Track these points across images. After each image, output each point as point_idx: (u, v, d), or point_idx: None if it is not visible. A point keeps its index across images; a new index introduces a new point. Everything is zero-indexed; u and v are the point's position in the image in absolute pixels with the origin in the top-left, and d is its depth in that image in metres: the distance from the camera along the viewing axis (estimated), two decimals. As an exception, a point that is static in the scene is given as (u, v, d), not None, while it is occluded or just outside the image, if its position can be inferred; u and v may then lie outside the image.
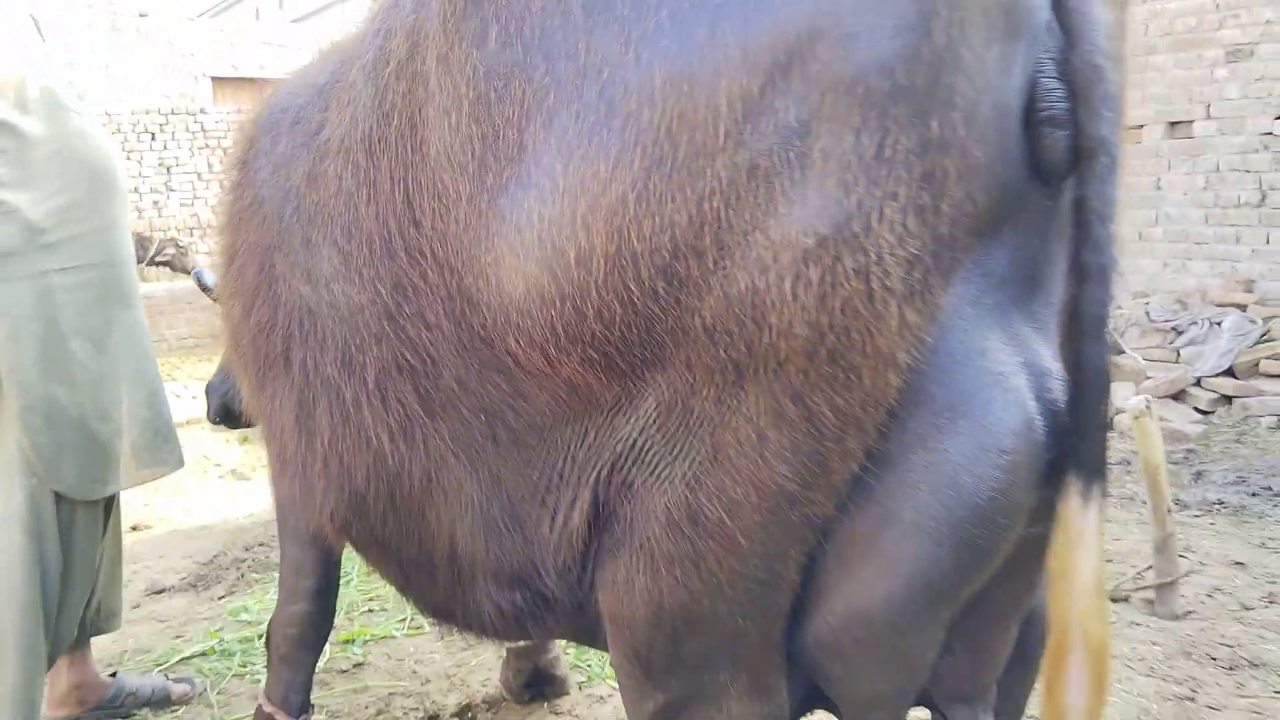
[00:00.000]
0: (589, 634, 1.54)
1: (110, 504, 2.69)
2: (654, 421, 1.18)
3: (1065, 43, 1.07)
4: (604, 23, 1.07)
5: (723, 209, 1.03)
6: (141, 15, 13.57)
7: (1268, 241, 5.75)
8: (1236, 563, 3.39)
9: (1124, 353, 5.85)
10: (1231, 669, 2.63)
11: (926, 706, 1.39)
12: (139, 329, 2.53)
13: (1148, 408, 2.86)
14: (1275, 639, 2.79)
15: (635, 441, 1.20)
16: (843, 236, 1.00)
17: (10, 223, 2.26)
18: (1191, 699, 2.47)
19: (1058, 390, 1.14)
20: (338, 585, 2.32)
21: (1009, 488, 1.10)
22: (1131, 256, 6.41)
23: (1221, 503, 4.17)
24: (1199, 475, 4.61)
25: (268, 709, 2.23)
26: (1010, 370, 1.12)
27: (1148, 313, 5.84)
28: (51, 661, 2.46)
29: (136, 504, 5.72)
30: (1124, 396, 5.45)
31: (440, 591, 1.55)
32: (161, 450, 2.53)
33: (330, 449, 1.51)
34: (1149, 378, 5.52)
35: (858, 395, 1.06)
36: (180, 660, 3.12)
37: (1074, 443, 1.13)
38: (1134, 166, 6.32)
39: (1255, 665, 2.64)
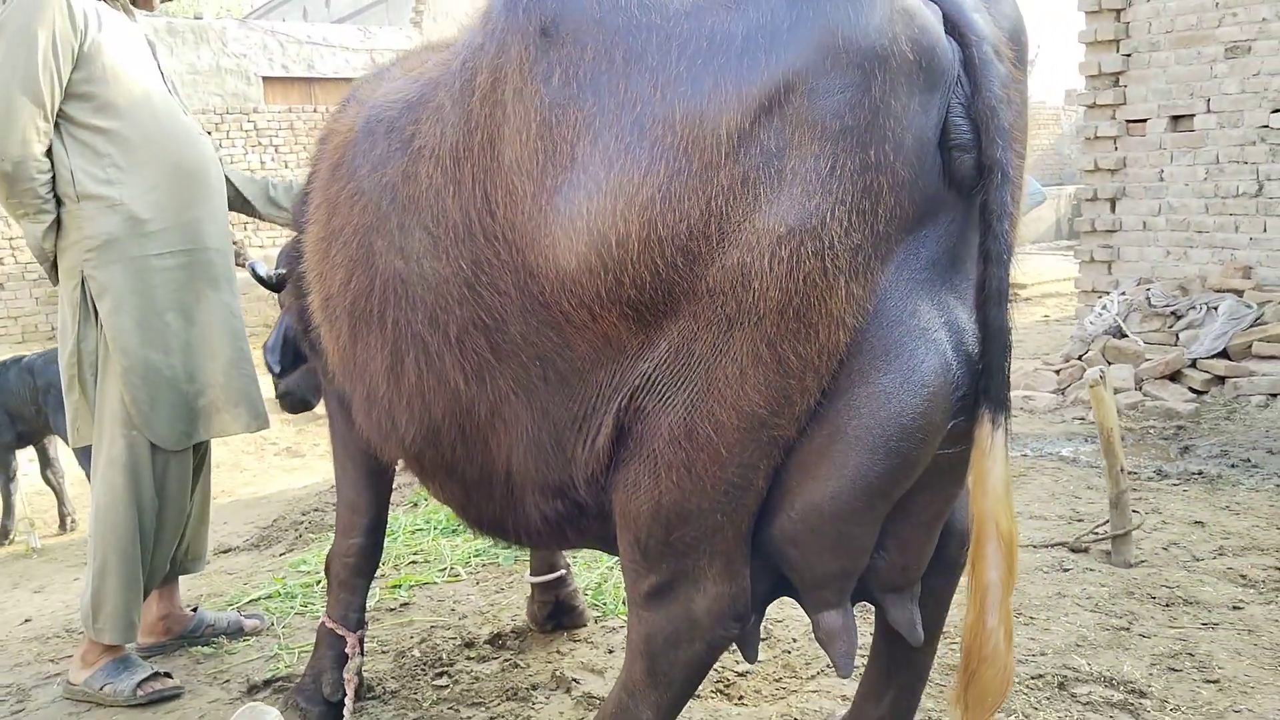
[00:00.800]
0: (611, 542, 1.88)
1: (203, 458, 3.14)
2: (665, 360, 1.54)
3: (970, 91, 1.45)
4: (638, 70, 1.46)
5: (724, 206, 1.41)
6: (197, 17, 14.14)
7: (1264, 230, 5.98)
8: (1197, 522, 3.69)
9: (1125, 336, 6.13)
10: (1168, 605, 2.96)
11: (865, 598, 1.74)
12: (225, 307, 2.92)
13: (1101, 378, 3.20)
14: (1213, 582, 3.11)
15: (650, 375, 1.56)
16: (805, 228, 1.38)
17: (115, 214, 2.69)
18: (1126, 629, 2.81)
19: (970, 342, 1.52)
20: (386, 523, 2.73)
21: (928, 412, 1.48)
22: (1136, 245, 6.65)
23: (1201, 473, 4.46)
24: (1185, 449, 4.90)
25: (329, 625, 2.63)
26: (933, 327, 1.50)
27: (1149, 298, 6.10)
28: (148, 590, 2.90)
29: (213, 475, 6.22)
30: (1121, 377, 5.75)
31: (497, 505, 1.93)
32: (230, 412, 2.91)
33: (415, 389, 1.88)
34: (1147, 359, 5.80)
35: (815, 346, 1.44)
36: (249, 601, 3.55)
37: (984, 383, 1.53)
38: (1138, 159, 6.57)
39: (1190, 603, 2.96)
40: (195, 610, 3.26)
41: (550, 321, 1.65)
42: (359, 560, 2.65)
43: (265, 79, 14.45)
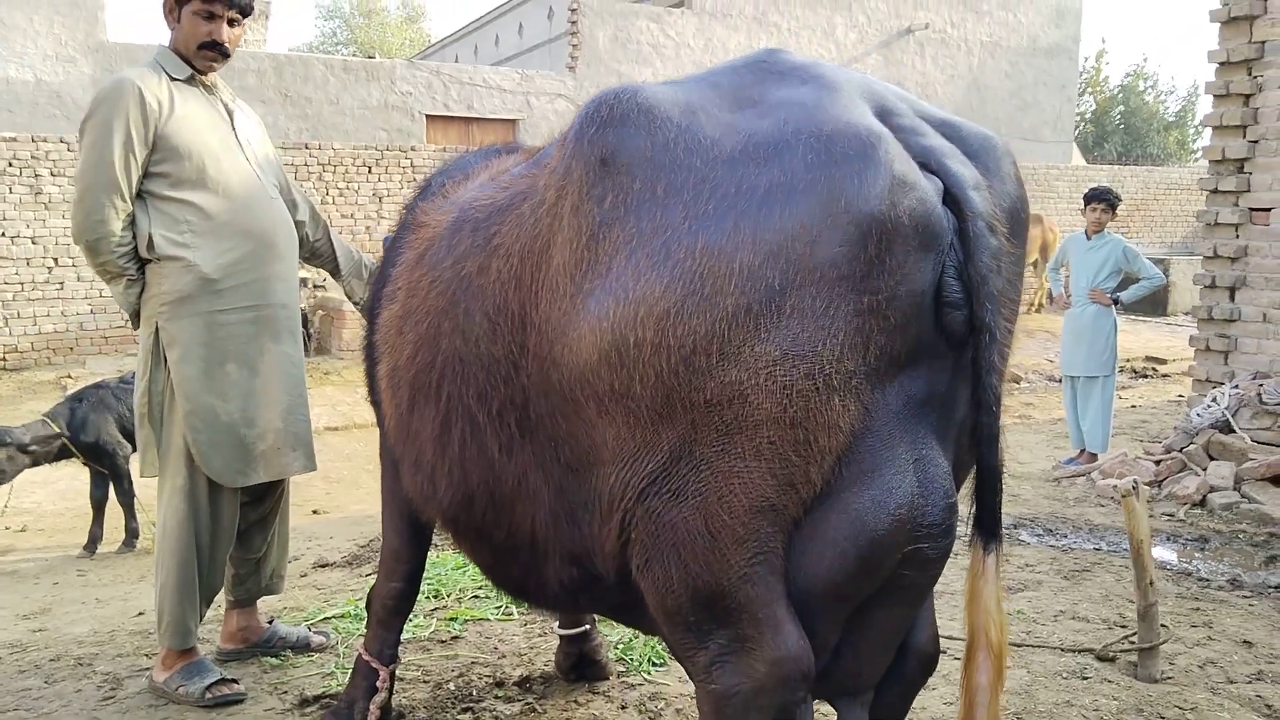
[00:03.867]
0: (621, 610, 2.13)
1: (281, 493, 3.53)
2: (669, 463, 1.72)
3: (964, 257, 1.66)
4: (675, 203, 1.68)
5: (726, 329, 1.60)
6: (369, 57, 15.21)
7: (1394, 332, 5.65)
8: (1245, 641, 3.59)
9: (1233, 431, 5.89)
10: (1174, 729, 2.94)
11: (822, 697, 1.91)
12: (286, 358, 3.24)
13: (1134, 488, 3.20)
14: (1235, 709, 3.05)
15: (656, 478, 1.71)
16: (798, 354, 1.58)
17: (189, 274, 3.05)
18: (1122, 749, 2.82)
19: (942, 480, 1.71)
20: (423, 570, 3.03)
21: (893, 533, 1.67)
22: (1254, 337, 6.38)
23: (1278, 588, 4.30)
24: (1271, 559, 4.71)
25: (365, 658, 2.94)
26: (910, 460, 1.69)
27: (1260, 394, 5.85)
28: (206, 602, 3.25)
29: (318, 492, 6.76)
30: (1221, 475, 5.55)
31: (520, 569, 2.15)
32: (288, 456, 3.24)
33: (457, 458, 2.12)
34: (1251, 459, 5.57)
35: (815, 448, 1.63)
36: (323, 619, 3.92)
37: (978, 515, 1.75)
38: (1260, 248, 6.31)
39: (1198, 729, 2.94)
40: (271, 623, 3.63)
41: (562, 409, 1.86)
42: (396, 602, 2.94)
43: (428, 116, 15.40)
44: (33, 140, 11.00)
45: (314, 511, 6.17)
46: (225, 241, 3.11)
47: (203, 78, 3.19)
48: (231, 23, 3.13)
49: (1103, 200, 6.81)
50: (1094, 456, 6.73)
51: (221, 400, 3.12)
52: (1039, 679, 3.25)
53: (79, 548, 5.13)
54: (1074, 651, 3.49)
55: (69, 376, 10.34)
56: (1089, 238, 6.89)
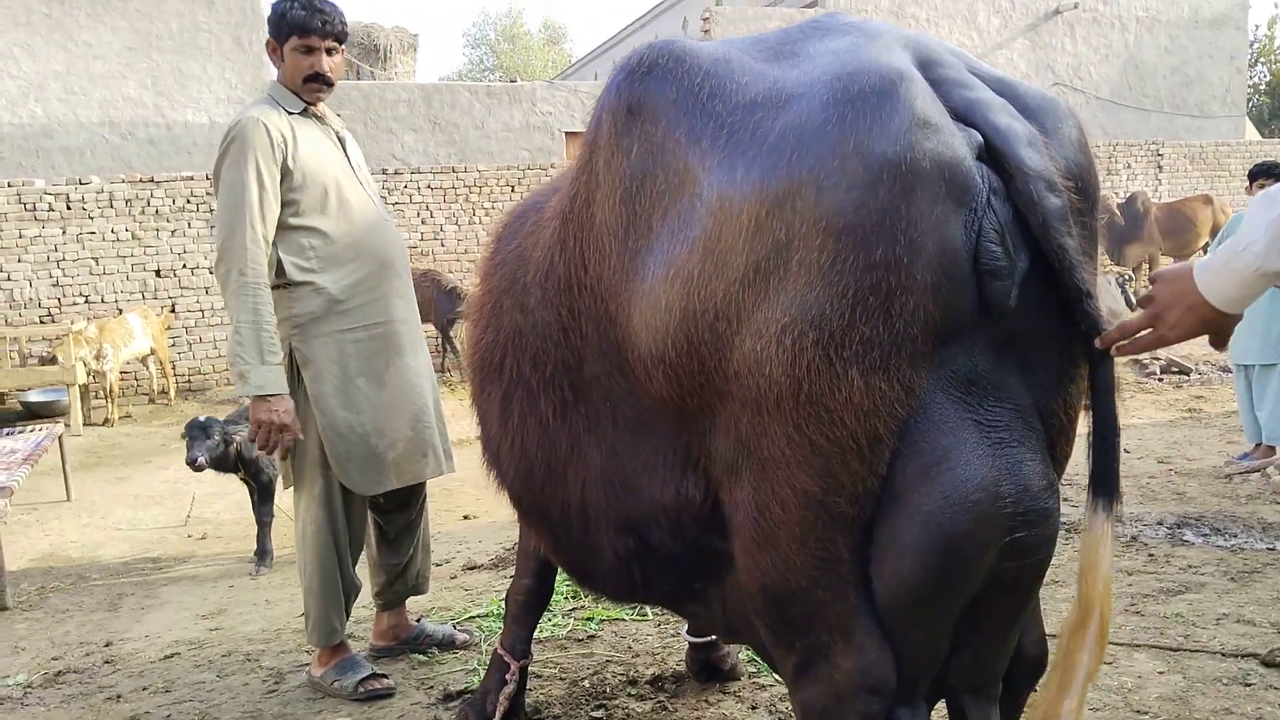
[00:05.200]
0: (677, 600, 2.07)
1: (421, 500, 3.70)
2: (720, 436, 1.63)
3: (1008, 220, 1.50)
4: (694, 152, 1.61)
5: (740, 291, 1.50)
6: (511, 80, 15.72)
7: None
8: None
9: None
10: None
11: (947, 697, 1.81)
12: (411, 370, 3.39)
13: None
14: None
15: (715, 447, 1.65)
16: (806, 318, 1.45)
17: (318, 295, 3.22)
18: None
19: (1027, 461, 1.56)
20: (555, 569, 3.11)
21: (975, 530, 1.53)
22: None
23: None
24: None
25: (500, 652, 3.05)
26: (985, 447, 1.54)
27: None
28: (348, 600, 3.43)
29: (469, 499, 7.00)
30: None
31: (576, 544, 2.08)
32: (419, 462, 3.39)
33: (517, 429, 2.10)
34: None
35: (842, 431, 1.48)
36: (468, 618, 4.08)
37: (1092, 471, 1.63)
38: None
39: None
40: (419, 621, 3.83)
41: (620, 368, 1.82)
42: (528, 598, 3.04)
43: (567, 134, 15.78)
44: (208, 178, 11.90)
45: (465, 517, 6.41)
46: (348, 264, 3.27)
47: (314, 109, 3.36)
48: (330, 52, 3.27)
49: (1270, 175, 6.35)
50: (1271, 450, 6.26)
51: (354, 413, 3.28)
52: (1195, 685, 3.07)
53: (251, 554, 5.52)
54: (1236, 656, 3.27)
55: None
56: (1257, 217, 6.42)
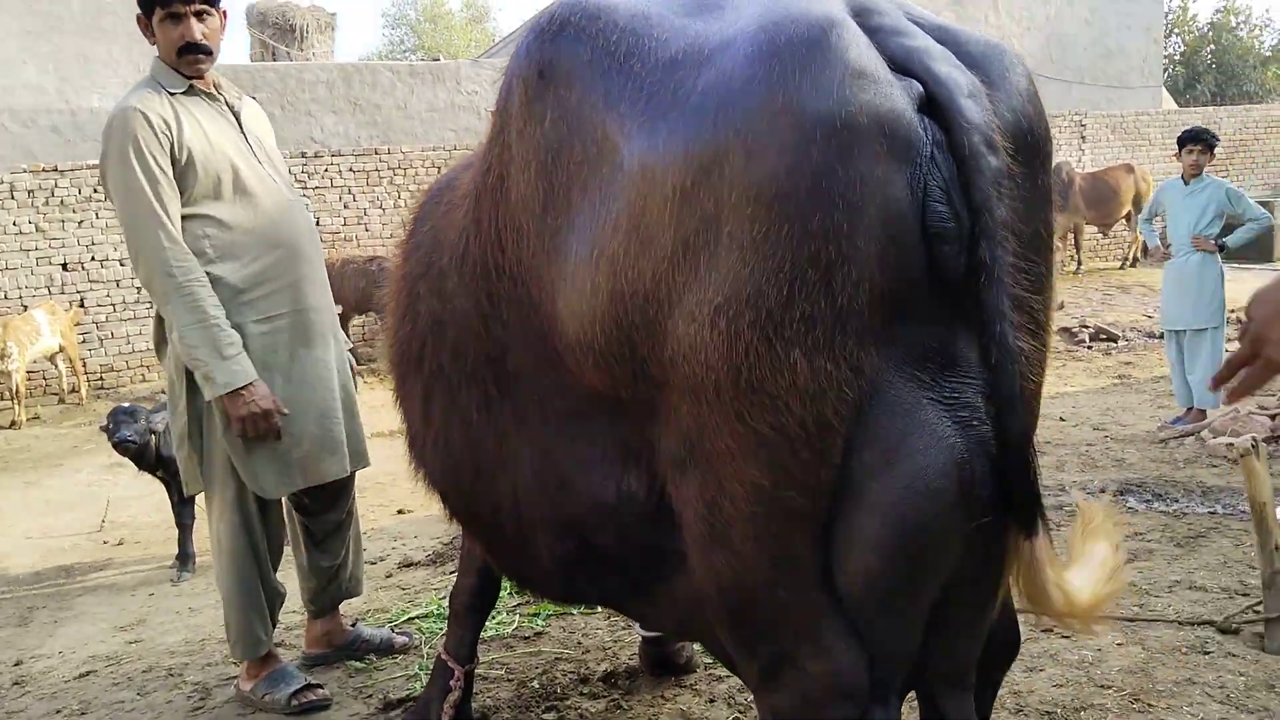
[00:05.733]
0: (625, 599, 1.92)
1: (350, 498, 3.49)
2: (661, 426, 1.52)
3: (951, 178, 1.36)
4: (612, 117, 1.48)
5: (669, 270, 1.40)
6: (434, 59, 15.33)
7: None
8: (1388, 607, 3.30)
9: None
10: (1313, 705, 2.70)
11: (920, 689, 1.71)
12: (319, 363, 3.16)
13: (1254, 446, 2.94)
14: (1380, 682, 2.80)
15: (657, 439, 1.54)
16: (741, 297, 1.33)
17: (218, 287, 2.94)
18: (1255, 727, 2.59)
19: (985, 441, 1.43)
20: (499, 566, 2.96)
21: (939, 516, 1.41)
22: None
23: None
24: None
25: (443, 657, 2.90)
26: (943, 423, 1.41)
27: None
28: (272, 607, 3.21)
29: (402, 492, 6.77)
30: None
31: (511, 547, 1.94)
32: (326, 460, 3.16)
33: (441, 427, 1.96)
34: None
35: (789, 418, 1.36)
36: (406, 619, 3.90)
37: (1009, 496, 1.45)
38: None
39: (1340, 704, 2.69)
40: (355, 625, 3.63)
41: (547, 358, 1.68)
42: (472, 599, 2.90)
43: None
44: (116, 165, 11.34)
45: (399, 511, 6.21)
46: (250, 252, 3.03)
47: (202, 84, 3.08)
48: (200, 16, 2.98)
49: (1199, 141, 6.41)
50: (1203, 414, 6.35)
51: None
52: (1155, 656, 3.03)
53: (173, 559, 5.23)
54: (1193, 624, 3.25)
55: (162, 393, 10.64)
56: (1186, 183, 6.51)
